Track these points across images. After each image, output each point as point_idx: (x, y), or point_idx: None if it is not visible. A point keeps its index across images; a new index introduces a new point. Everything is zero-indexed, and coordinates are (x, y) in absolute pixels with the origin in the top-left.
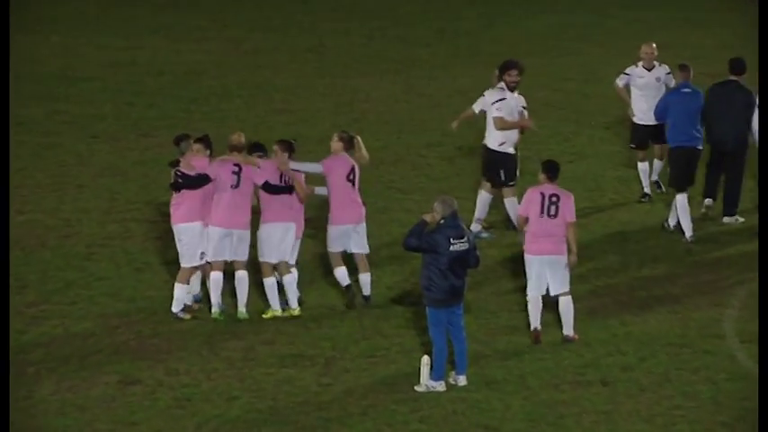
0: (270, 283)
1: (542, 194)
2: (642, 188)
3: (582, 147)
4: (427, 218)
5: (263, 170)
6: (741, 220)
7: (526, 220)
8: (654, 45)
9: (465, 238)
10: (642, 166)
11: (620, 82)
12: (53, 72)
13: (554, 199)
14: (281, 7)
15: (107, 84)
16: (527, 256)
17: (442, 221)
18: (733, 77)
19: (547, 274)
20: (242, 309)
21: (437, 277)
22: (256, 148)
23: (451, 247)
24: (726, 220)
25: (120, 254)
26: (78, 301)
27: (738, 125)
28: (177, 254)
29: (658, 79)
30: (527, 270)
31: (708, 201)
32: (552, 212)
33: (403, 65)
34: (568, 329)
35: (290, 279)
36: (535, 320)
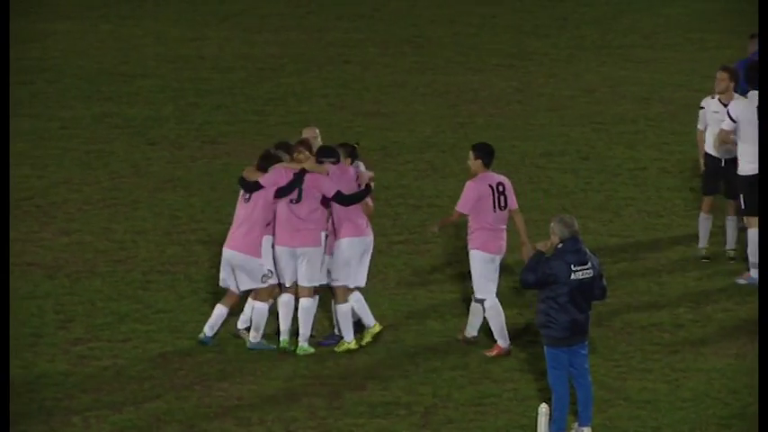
0: (344, 310)
1: (491, 186)
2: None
3: None
4: (543, 247)
5: (333, 179)
6: None
7: (460, 215)
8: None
9: (588, 265)
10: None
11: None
12: (104, 67)
13: (501, 188)
14: None
15: (167, 81)
16: (484, 255)
17: (560, 245)
18: None
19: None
20: (303, 343)
21: (556, 312)
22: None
23: (573, 276)
24: None
25: (183, 282)
26: (133, 337)
27: None
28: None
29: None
30: (483, 271)
31: None
32: (502, 204)
33: (517, 59)
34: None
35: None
36: (504, 336)
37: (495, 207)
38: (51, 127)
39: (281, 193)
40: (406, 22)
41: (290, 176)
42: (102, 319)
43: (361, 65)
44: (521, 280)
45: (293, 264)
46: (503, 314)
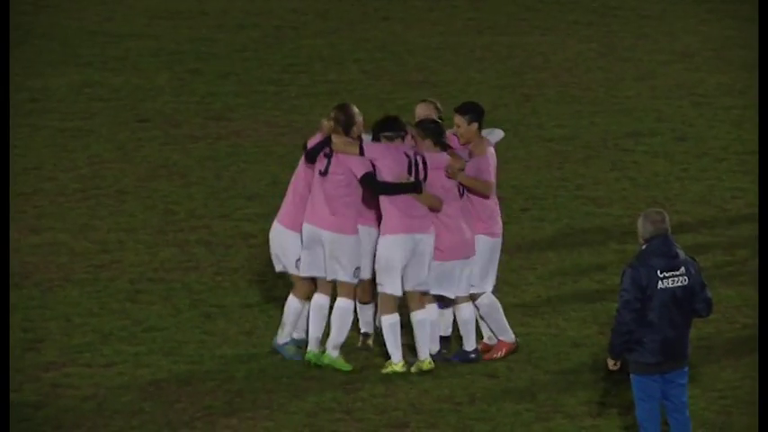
0: (392, 322)
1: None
2: None
3: None
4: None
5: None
6: None
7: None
8: None
9: (682, 270)
10: None
11: None
12: (83, 26)
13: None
14: None
15: (161, 43)
16: (497, 240)
17: (644, 247)
18: None
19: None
20: (332, 352)
21: (643, 331)
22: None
23: (661, 284)
24: None
25: (180, 292)
26: (118, 361)
27: None
28: (266, 291)
29: None
30: (493, 259)
31: None
32: None
33: (598, 15)
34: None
35: (424, 317)
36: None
37: None
38: (17, 100)
39: (308, 156)
40: None
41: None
42: (81, 339)
43: (404, 22)
44: (617, 320)
45: (319, 251)
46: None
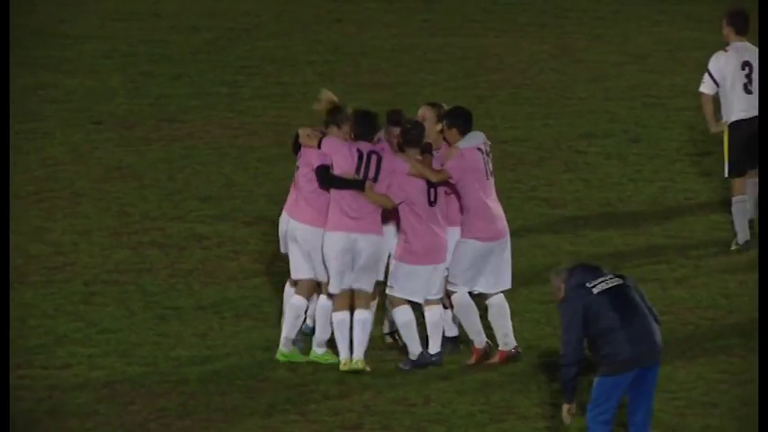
0: (339, 319)
1: (480, 150)
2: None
3: None
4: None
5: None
6: None
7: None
8: None
9: (609, 276)
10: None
11: None
12: (37, 28)
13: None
14: None
15: (115, 45)
16: (479, 244)
17: (570, 281)
18: None
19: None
20: (317, 349)
21: (613, 335)
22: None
23: (596, 289)
24: None
25: (134, 294)
26: (73, 363)
27: None
28: (219, 293)
29: None
30: (473, 261)
31: None
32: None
33: (552, 17)
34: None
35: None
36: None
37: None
38: None
39: (293, 148)
40: None
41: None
42: (35, 341)
43: (357, 24)
44: (564, 364)
45: (293, 245)
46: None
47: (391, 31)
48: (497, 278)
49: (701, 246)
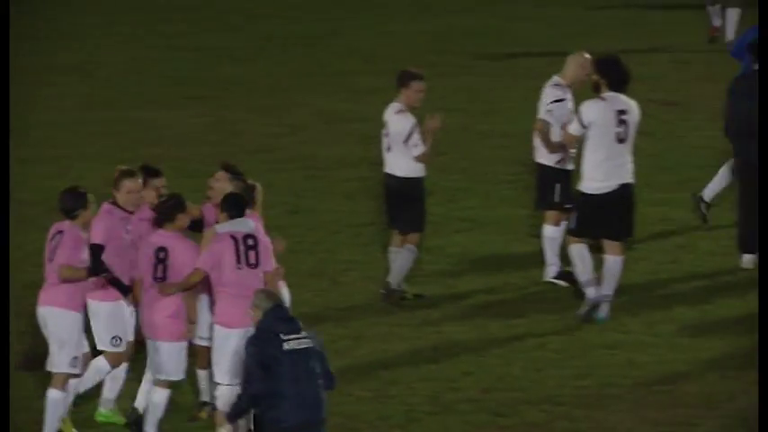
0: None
1: (234, 238)
2: None
3: None
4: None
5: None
6: None
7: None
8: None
9: (304, 334)
10: None
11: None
12: None
13: (251, 242)
14: None
15: None
16: (225, 331)
17: (262, 319)
18: None
19: None
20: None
21: (283, 401)
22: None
23: (286, 346)
24: None
25: None
26: None
27: None
28: None
29: None
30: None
31: None
32: (252, 260)
33: (210, 89)
34: None
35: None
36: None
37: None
38: None
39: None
40: (71, 47)
41: None
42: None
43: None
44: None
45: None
46: None
47: (51, 104)
48: None
49: (363, 311)
